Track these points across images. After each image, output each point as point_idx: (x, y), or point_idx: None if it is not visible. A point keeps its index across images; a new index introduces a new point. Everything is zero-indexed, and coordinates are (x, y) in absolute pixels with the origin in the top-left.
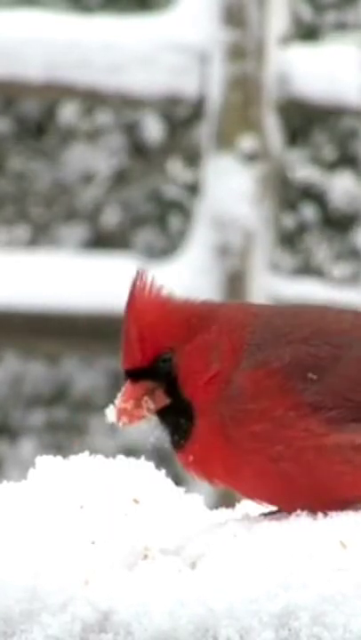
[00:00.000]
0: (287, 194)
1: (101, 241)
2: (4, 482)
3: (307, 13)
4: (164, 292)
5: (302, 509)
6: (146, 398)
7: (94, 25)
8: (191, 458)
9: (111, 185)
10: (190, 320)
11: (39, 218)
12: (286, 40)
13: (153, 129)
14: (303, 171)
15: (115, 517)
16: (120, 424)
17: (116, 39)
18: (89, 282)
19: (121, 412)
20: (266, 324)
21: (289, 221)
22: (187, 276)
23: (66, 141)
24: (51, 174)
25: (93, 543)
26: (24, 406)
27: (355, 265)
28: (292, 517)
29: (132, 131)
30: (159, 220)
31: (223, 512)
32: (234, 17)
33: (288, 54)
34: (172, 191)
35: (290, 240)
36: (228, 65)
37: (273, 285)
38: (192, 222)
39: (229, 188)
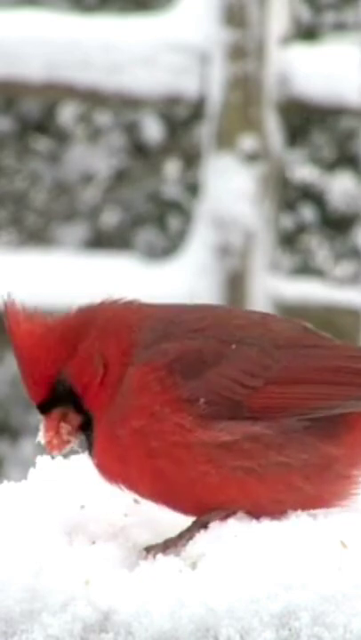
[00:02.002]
0: (287, 194)
1: (101, 241)
2: (5, 482)
3: (307, 14)
4: (34, 314)
5: (188, 512)
6: (62, 424)
7: (94, 25)
8: (96, 462)
9: (111, 185)
10: (66, 336)
11: (39, 217)
12: (286, 40)
13: (153, 129)
14: (303, 171)
15: (115, 517)
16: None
17: (116, 39)
18: (89, 282)
19: (47, 447)
20: (157, 321)
21: (289, 221)
22: (187, 276)
23: (66, 141)
24: (51, 174)
25: (93, 543)
26: (24, 406)
27: (355, 265)
28: (293, 517)
29: (132, 131)
30: (159, 220)
31: None
32: (234, 17)
33: (288, 54)
34: (172, 191)
35: (290, 240)
36: (229, 65)
37: (273, 285)
38: (192, 222)
39: (229, 188)
